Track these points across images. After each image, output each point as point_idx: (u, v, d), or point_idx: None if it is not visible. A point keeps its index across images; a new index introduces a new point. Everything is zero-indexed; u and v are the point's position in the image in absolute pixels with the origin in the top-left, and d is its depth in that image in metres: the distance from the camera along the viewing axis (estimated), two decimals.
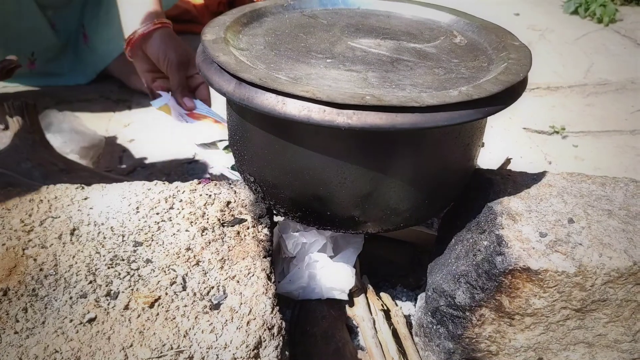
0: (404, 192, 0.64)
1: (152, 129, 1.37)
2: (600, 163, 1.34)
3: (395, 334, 0.78)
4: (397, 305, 0.83)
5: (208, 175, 0.92)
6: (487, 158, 1.20)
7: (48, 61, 1.52)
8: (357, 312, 0.79)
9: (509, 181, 0.73)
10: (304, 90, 0.55)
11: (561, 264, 0.60)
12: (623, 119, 1.54)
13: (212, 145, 0.91)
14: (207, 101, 0.96)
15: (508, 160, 1.00)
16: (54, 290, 0.60)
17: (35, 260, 0.63)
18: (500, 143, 1.39)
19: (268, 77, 0.58)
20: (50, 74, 1.53)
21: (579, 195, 0.71)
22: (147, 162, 1.25)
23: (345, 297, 0.79)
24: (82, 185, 0.75)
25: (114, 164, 1.24)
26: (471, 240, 0.69)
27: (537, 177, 0.74)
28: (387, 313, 0.81)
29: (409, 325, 0.81)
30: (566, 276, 0.60)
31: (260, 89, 0.57)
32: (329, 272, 0.78)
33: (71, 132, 1.19)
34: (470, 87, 0.58)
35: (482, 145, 0.73)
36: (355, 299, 0.80)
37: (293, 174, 0.64)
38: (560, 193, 0.71)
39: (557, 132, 1.46)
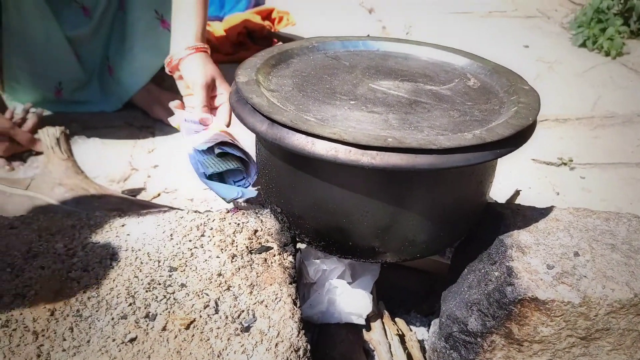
0: (421, 225, 0.69)
1: (175, 155, 1.43)
2: (606, 195, 1.38)
3: (409, 358, 0.82)
4: (411, 330, 0.88)
5: (236, 204, 0.96)
6: (497, 188, 1.25)
7: (74, 90, 1.59)
8: (374, 336, 0.83)
9: (519, 215, 0.78)
10: (332, 132, 0.61)
11: (567, 295, 0.65)
12: (630, 151, 1.59)
13: (209, 151, 0.81)
14: (227, 121, 1.02)
15: (517, 193, 1.05)
16: (96, 311, 0.65)
17: (78, 282, 0.68)
18: (509, 174, 1.43)
19: (298, 119, 0.63)
20: (76, 102, 1.60)
21: (584, 229, 0.76)
22: (170, 187, 1.30)
23: (362, 322, 0.83)
24: (120, 213, 0.80)
25: (139, 189, 1.30)
26: (483, 270, 0.73)
27: (545, 212, 0.79)
28: (402, 338, 0.85)
29: (423, 349, 0.85)
30: (572, 306, 0.65)
31: (291, 130, 0.62)
32: (348, 297, 0.83)
33: None
34: (483, 131, 0.64)
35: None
36: (372, 324, 0.85)
37: (318, 206, 0.69)
38: (567, 227, 0.76)
39: (565, 164, 1.51)
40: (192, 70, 1.01)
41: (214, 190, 0.77)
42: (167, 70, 1.04)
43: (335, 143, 0.60)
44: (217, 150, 0.78)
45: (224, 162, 0.78)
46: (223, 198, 0.76)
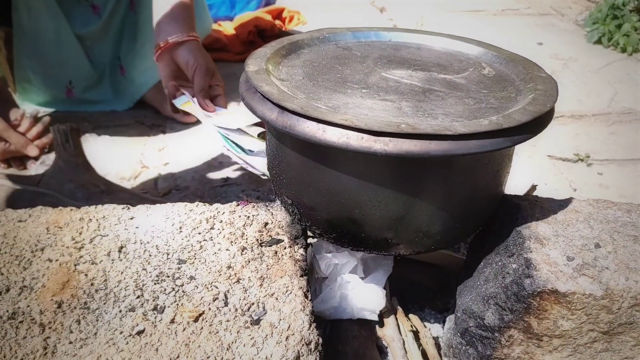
0: (435, 215, 0.67)
1: (185, 153, 1.42)
2: (625, 191, 1.35)
3: (424, 355, 0.80)
4: (425, 326, 0.85)
5: (244, 198, 0.95)
6: (513, 185, 1.22)
7: (85, 90, 1.59)
8: (387, 333, 0.81)
9: (537, 207, 0.76)
10: (343, 118, 0.59)
11: (588, 287, 0.62)
12: None
13: (238, 131, 0.91)
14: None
15: (533, 187, 1.02)
16: (104, 303, 0.63)
17: (86, 275, 0.67)
18: (525, 170, 1.41)
19: (309, 106, 0.62)
20: (87, 101, 1.60)
21: (605, 221, 0.73)
22: (181, 184, 1.29)
23: (375, 318, 0.81)
24: (128, 205, 0.79)
25: (150, 186, 1.29)
26: (500, 263, 0.71)
27: (563, 203, 0.77)
28: (416, 334, 0.83)
29: (438, 346, 0.83)
30: (593, 299, 0.62)
31: (301, 117, 0.61)
32: (360, 293, 0.81)
33: None
34: (500, 117, 0.62)
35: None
36: (385, 320, 0.83)
37: (329, 197, 0.68)
38: (587, 219, 0.73)
39: (582, 160, 1.48)
40: (192, 54, 1.02)
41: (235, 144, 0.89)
42: (154, 55, 1.04)
43: (347, 130, 0.59)
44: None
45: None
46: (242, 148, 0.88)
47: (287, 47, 0.81)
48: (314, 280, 0.85)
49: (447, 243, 0.74)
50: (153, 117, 1.60)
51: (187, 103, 1.00)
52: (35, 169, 1.29)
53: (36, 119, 1.27)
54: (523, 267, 0.66)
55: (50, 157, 1.30)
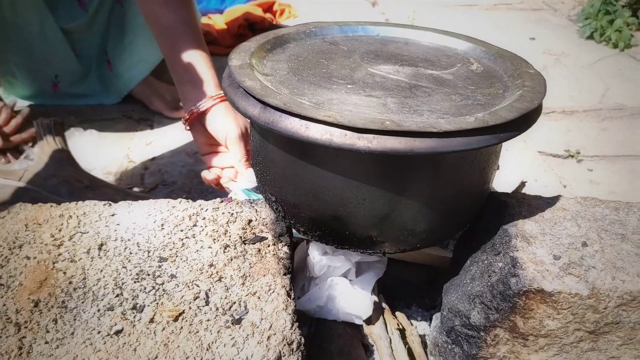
0: (420, 213, 0.66)
1: (173, 148, 1.41)
2: (615, 187, 1.34)
3: (410, 353, 0.79)
4: (412, 324, 0.85)
5: (230, 195, 0.94)
6: (502, 181, 1.22)
7: (72, 84, 1.57)
8: (374, 331, 0.81)
9: (524, 204, 0.75)
10: (326, 115, 0.58)
11: (575, 286, 0.62)
12: (638, 143, 1.55)
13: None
14: None
15: (523, 184, 1.01)
16: (82, 302, 0.62)
17: (64, 273, 0.66)
18: (515, 166, 1.40)
19: (292, 102, 0.60)
20: (74, 95, 1.58)
21: (592, 219, 0.72)
22: (168, 179, 1.28)
23: (361, 323, 0.80)
24: (110, 202, 0.78)
25: (136, 181, 1.28)
26: (486, 261, 0.70)
27: (551, 201, 0.76)
28: (402, 332, 0.82)
29: (424, 344, 0.82)
30: (579, 298, 0.62)
31: (284, 113, 0.60)
32: (348, 297, 0.80)
33: None
34: (486, 114, 0.60)
35: (497, 168, 0.75)
36: (372, 318, 0.82)
37: (313, 194, 0.67)
38: (574, 217, 0.73)
39: (572, 156, 1.47)
40: (222, 121, 0.95)
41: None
42: (184, 125, 1.00)
43: (331, 126, 0.58)
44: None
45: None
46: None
47: (272, 42, 0.79)
48: (304, 277, 0.84)
49: (433, 241, 0.73)
50: (141, 111, 1.58)
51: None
52: (18, 163, 1.27)
53: (13, 111, 1.24)
54: (509, 266, 0.65)
55: (34, 152, 1.28)
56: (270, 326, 0.60)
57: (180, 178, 1.28)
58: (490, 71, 0.77)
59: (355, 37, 0.87)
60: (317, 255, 0.81)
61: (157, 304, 0.62)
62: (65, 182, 1.04)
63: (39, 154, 1.10)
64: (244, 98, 0.64)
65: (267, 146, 0.69)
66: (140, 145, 1.42)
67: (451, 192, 0.67)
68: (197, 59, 0.97)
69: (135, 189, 1.23)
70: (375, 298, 0.82)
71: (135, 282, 0.65)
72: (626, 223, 0.72)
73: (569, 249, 0.67)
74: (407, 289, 0.92)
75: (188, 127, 1.00)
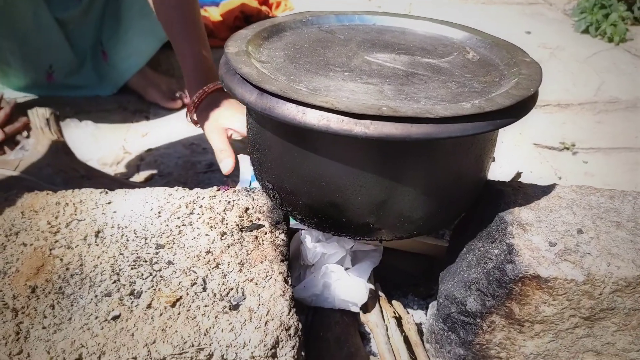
0: (417, 200, 0.66)
1: (169, 139, 1.40)
2: (610, 179, 1.35)
3: (406, 341, 0.80)
4: (408, 313, 0.85)
5: (229, 183, 0.93)
6: (498, 173, 1.23)
7: (67, 75, 1.56)
8: (370, 319, 0.81)
9: (520, 192, 0.75)
10: (323, 100, 0.58)
11: (570, 272, 0.62)
12: (633, 136, 1.56)
13: None
14: None
15: (518, 174, 1.02)
16: (79, 288, 0.62)
17: (61, 260, 0.65)
18: (510, 158, 1.40)
19: (289, 88, 0.60)
20: (69, 86, 1.57)
21: (587, 207, 0.73)
22: (164, 170, 1.28)
23: (357, 310, 0.81)
24: (106, 190, 0.78)
25: (132, 172, 1.27)
26: (482, 248, 0.71)
27: (547, 190, 0.76)
28: (398, 320, 0.82)
29: (420, 332, 0.83)
30: (575, 284, 0.62)
31: (281, 99, 0.59)
32: (344, 284, 0.80)
33: None
34: (482, 100, 0.61)
35: (493, 160, 0.76)
36: (368, 306, 0.82)
37: (310, 181, 0.67)
38: (570, 205, 0.73)
39: (568, 149, 1.48)
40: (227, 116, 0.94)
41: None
42: (190, 114, 0.99)
43: (328, 112, 0.57)
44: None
45: None
46: None
47: (268, 30, 0.79)
48: (299, 266, 0.84)
49: (430, 228, 0.73)
50: (136, 102, 1.58)
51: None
52: (14, 154, 1.27)
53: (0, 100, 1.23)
54: (505, 253, 0.66)
55: (30, 142, 1.28)
56: (268, 312, 0.60)
57: (176, 169, 1.28)
58: (486, 59, 0.77)
59: (352, 26, 0.87)
60: (310, 243, 0.81)
61: (155, 290, 0.62)
62: (61, 172, 1.04)
63: (34, 144, 1.09)
64: (240, 84, 0.64)
65: (264, 133, 0.69)
66: (136, 137, 1.42)
67: (448, 179, 0.67)
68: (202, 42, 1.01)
69: (131, 180, 1.23)
70: (371, 286, 0.82)
71: (132, 268, 0.65)
72: (621, 211, 0.72)
73: (564, 236, 0.67)
74: (403, 278, 0.93)
75: (194, 110, 0.98)
